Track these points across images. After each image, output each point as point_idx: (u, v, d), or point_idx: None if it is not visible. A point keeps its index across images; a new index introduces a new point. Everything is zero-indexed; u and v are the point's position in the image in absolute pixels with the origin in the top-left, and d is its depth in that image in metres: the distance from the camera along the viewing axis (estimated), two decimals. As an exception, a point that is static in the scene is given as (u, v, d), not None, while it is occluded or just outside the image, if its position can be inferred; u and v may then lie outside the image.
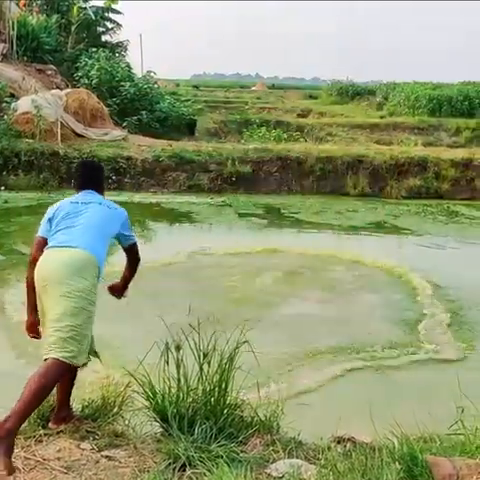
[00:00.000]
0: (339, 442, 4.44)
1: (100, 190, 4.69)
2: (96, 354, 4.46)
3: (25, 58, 24.79)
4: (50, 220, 4.37)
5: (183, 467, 3.94)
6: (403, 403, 5.95)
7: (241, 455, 4.06)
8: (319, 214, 16.46)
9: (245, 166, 18.95)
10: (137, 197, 17.01)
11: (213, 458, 3.96)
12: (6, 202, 15.26)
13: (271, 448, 4.24)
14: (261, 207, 17.07)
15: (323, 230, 14.95)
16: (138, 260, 4.81)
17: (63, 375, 4.18)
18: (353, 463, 3.31)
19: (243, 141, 23.30)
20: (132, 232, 4.74)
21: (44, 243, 4.31)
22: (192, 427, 4.22)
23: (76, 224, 4.29)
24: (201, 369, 4.38)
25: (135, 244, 4.75)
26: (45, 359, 4.09)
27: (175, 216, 15.67)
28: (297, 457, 4.21)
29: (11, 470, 3.74)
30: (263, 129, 24.99)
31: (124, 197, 16.11)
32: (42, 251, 4.26)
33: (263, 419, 4.47)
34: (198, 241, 12.57)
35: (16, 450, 4.14)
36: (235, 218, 15.63)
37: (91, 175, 4.75)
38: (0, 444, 3.76)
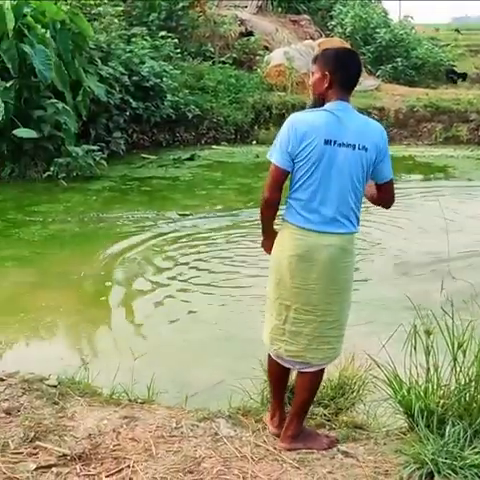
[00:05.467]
0: None
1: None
2: None
3: (280, 9, 24.77)
4: (289, 153, 3.47)
5: (430, 475, 3.37)
6: None
7: (504, 466, 3.40)
8: None
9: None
10: (389, 150, 16.12)
11: (467, 467, 3.34)
12: (257, 157, 15.30)
13: None
14: None
15: None
16: (391, 201, 3.76)
17: None
18: None
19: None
20: (389, 164, 3.60)
21: (283, 177, 3.52)
22: (442, 427, 3.62)
23: (330, 187, 3.45)
24: (455, 359, 3.74)
25: (390, 182, 3.68)
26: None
27: (430, 170, 14.66)
28: None
29: (332, 441, 3.77)
30: None
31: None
32: (279, 191, 3.53)
33: None
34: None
35: (246, 434, 3.84)
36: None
37: (356, 73, 3.56)
38: (295, 445, 3.69)
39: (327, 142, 3.41)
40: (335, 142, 3.41)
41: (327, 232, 3.46)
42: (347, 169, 3.44)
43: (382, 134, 3.57)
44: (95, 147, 13.48)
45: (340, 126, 3.44)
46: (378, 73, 22.58)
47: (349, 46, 20.32)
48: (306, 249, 3.47)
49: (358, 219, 3.58)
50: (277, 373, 3.81)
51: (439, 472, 3.35)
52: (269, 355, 3.80)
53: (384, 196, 3.70)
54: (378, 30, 24.28)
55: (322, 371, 3.73)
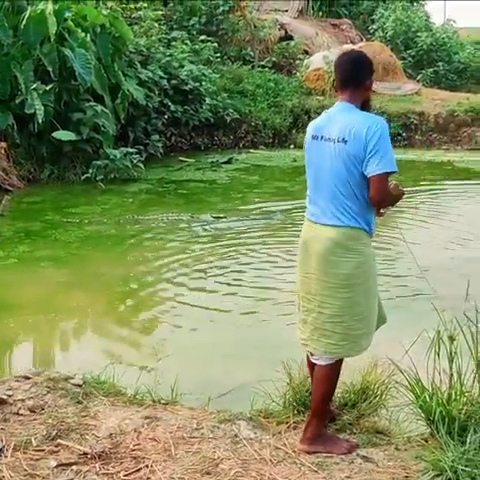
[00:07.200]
0: None
1: (359, 90, 3.64)
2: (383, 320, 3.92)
3: (320, 13, 24.70)
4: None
5: (449, 482, 3.33)
6: None
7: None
8: None
9: None
10: (428, 155, 16.03)
11: (486, 476, 3.30)
12: (294, 161, 15.26)
13: None
14: None
15: None
16: (375, 199, 3.55)
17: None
18: None
19: None
20: (380, 160, 3.44)
21: None
22: (463, 434, 3.57)
23: (321, 181, 3.62)
24: (478, 366, 3.69)
25: (376, 178, 3.47)
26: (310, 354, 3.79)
27: (469, 176, 14.46)
28: None
29: (352, 446, 3.73)
30: None
31: (412, 155, 15.40)
32: None
33: None
34: None
35: (266, 437, 3.84)
36: None
37: (346, 72, 3.66)
38: (315, 448, 3.68)
39: (314, 137, 3.68)
40: (322, 137, 3.63)
41: (324, 224, 3.61)
42: (330, 163, 3.60)
43: (369, 127, 3.45)
44: (133, 150, 13.61)
45: (328, 122, 3.65)
46: (418, 77, 22.28)
47: (389, 50, 20.24)
48: (306, 240, 3.71)
49: (360, 215, 3.58)
50: (308, 361, 3.92)
51: (458, 479, 3.31)
52: None
53: (370, 193, 3.52)
54: (419, 34, 23.98)
55: (335, 366, 3.71)
